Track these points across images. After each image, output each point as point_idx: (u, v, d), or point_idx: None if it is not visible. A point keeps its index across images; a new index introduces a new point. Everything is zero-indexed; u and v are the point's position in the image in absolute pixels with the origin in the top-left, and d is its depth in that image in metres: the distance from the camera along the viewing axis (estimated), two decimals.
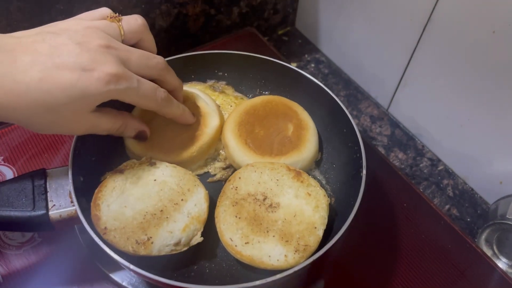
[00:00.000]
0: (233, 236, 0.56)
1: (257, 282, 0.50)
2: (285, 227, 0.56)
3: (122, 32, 0.52)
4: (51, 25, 0.49)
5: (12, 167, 0.73)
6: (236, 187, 0.60)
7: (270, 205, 0.58)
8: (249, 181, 0.60)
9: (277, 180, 0.60)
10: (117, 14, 0.53)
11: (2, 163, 0.74)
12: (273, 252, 0.54)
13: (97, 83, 0.45)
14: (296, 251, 0.54)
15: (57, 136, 0.78)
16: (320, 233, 0.55)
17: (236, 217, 0.57)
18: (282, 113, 0.71)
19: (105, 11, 0.54)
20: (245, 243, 0.55)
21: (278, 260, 0.53)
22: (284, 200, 0.58)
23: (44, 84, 0.44)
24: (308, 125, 0.70)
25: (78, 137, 0.61)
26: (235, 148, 0.66)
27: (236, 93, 0.79)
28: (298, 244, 0.54)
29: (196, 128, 0.67)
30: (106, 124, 0.52)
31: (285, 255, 0.54)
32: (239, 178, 0.61)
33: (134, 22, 0.54)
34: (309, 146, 0.68)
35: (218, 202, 0.60)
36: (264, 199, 0.59)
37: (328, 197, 0.68)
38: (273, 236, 0.55)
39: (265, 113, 0.70)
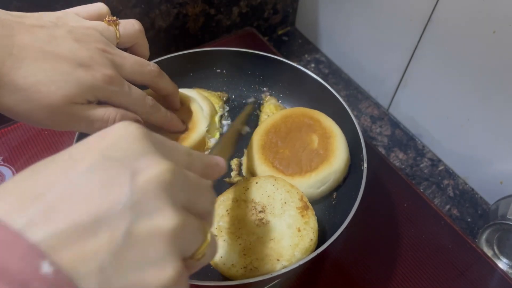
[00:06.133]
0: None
1: (262, 278, 0.51)
2: (255, 243, 0.55)
3: (118, 36, 0.53)
4: (47, 13, 0.49)
5: (11, 167, 0.73)
6: (248, 188, 0.60)
7: (261, 219, 0.57)
8: (261, 190, 0.60)
9: (285, 202, 0.58)
10: (115, 17, 0.54)
11: (2, 163, 0.74)
12: (226, 255, 0.54)
13: (92, 79, 0.46)
14: (243, 267, 0.53)
15: (57, 137, 0.78)
16: (279, 266, 0.53)
17: (226, 210, 0.58)
18: (304, 125, 0.68)
19: (102, 8, 0.54)
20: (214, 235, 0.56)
21: (224, 264, 0.54)
22: (275, 222, 0.57)
23: (41, 64, 0.43)
24: (333, 132, 0.67)
25: (79, 138, 0.61)
26: (264, 173, 0.65)
27: (278, 103, 0.79)
28: (251, 263, 0.53)
29: (183, 132, 0.67)
30: (99, 113, 0.49)
31: (232, 264, 0.53)
32: (256, 182, 0.61)
33: (130, 27, 0.54)
34: (338, 154, 0.64)
35: (225, 191, 0.61)
36: (260, 212, 0.58)
37: (330, 193, 0.68)
38: (239, 244, 0.55)
39: (287, 129, 0.68)
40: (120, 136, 0.28)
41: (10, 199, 0.24)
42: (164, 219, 0.27)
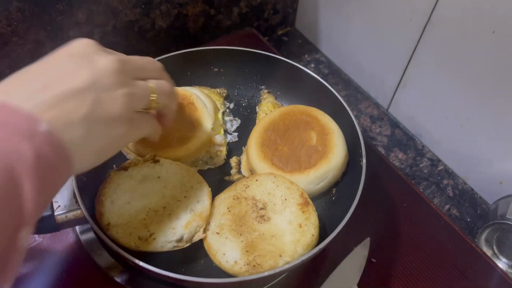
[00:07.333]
0: (213, 222, 0.58)
1: (265, 273, 0.51)
2: (257, 240, 0.55)
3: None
4: None
5: None
6: (248, 186, 0.61)
7: (262, 216, 0.58)
8: (262, 187, 0.60)
9: (285, 199, 0.59)
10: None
11: None
12: (229, 253, 0.55)
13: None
14: (247, 264, 0.53)
15: None
16: (281, 262, 0.53)
17: (227, 208, 0.59)
18: (302, 122, 0.69)
19: None
20: (216, 233, 0.57)
21: (227, 262, 0.54)
22: (277, 219, 0.57)
23: None
24: (331, 129, 0.68)
25: None
26: (263, 170, 0.65)
27: (276, 101, 0.79)
28: (254, 259, 0.54)
29: (189, 130, 0.67)
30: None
31: (236, 261, 0.54)
32: (256, 180, 0.61)
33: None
34: (337, 151, 0.65)
35: (226, 189, 0.62)
36: (261, 209, 0.58)
37: (329, 189, 0.68)
38: (241, 241, 0.55)
39: (286, 127, 0.69)
40: (77, 43, 0.44)
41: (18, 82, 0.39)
42: (116, 89, 0.42)
